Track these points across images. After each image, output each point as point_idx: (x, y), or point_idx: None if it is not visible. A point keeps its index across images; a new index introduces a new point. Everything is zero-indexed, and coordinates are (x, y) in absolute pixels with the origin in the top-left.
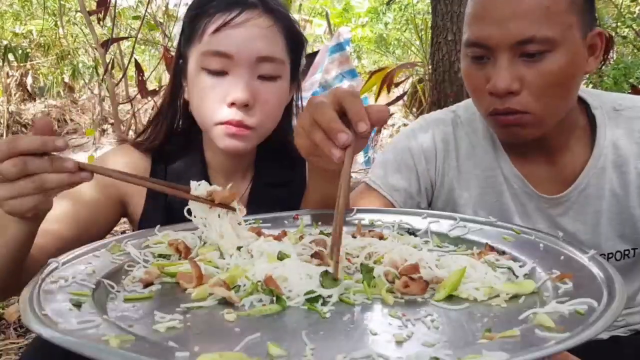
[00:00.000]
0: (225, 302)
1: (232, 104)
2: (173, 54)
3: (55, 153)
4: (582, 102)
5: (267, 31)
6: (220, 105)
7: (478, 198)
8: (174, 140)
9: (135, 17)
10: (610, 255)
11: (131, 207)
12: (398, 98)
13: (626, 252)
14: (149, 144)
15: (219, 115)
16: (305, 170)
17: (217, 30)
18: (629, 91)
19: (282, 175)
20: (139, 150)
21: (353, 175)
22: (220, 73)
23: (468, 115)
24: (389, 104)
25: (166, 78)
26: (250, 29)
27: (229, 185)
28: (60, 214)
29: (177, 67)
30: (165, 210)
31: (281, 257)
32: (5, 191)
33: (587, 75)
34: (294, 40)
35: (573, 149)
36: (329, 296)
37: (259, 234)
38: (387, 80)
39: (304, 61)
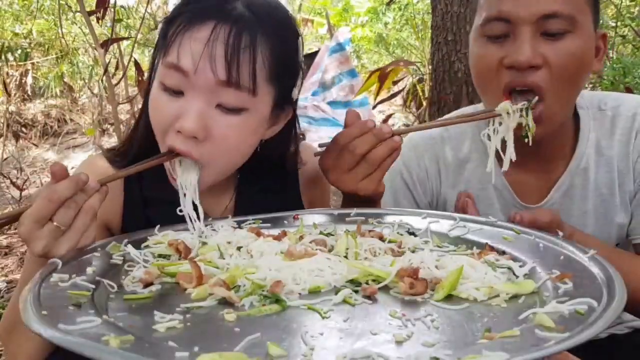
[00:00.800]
0: (225, 302)
1: (179, 132)
2: None
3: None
4: None
5: (237, 52)
6: (168, 129)
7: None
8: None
9: (119, 21)
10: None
11: (113, 229)
12: (393, 95)
13: None
14: (121, 160)
15: (167, 140)
16: (299, 182)
17: (178, 41)
18: (624, 92)
19: (270, 183)
20: (113, 166)
21: None
22: (176, 92)
23: (457, 129)
24: (383, 101)
25: None
26: (215, 46)
27: None
28: None
29: (152, 78)
30: (144, 219)
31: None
32: (72, 238)
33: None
34: (283, 66)
35: (565, 154)
36: (331, 296)
37: (259, 234)
38: (383, 78)
39: (298, 87)
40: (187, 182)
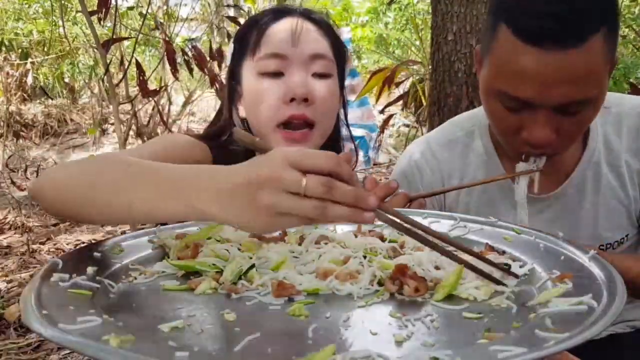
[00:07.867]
0: (225, 302)
1: (292, 100)
2: (174, 46)
3: None
4: None
5: (314, 33)
6: (280, 104)
7: (475, 213)
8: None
9: (130, 8)
10: (609, 246)
11: None
12: (398, 98)
13: (621, 240)
14: (212, 139)
15: (280, 114)
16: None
17: (270, 36)
18: (629, 90)
19: None
20: (205, 142)
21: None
22: (277, 74)
23: (465, 132)
24: (388, 105)
25: (166, 77)
26: (302, 27)
27: None
28: None
29: (230, 88)
30: None
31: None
32: (293, 203)
33: None
34: (337, 44)
35: (574, 148)
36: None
37: (261, 238)
38: (388, 80)
39: (347, 72)
40: None
